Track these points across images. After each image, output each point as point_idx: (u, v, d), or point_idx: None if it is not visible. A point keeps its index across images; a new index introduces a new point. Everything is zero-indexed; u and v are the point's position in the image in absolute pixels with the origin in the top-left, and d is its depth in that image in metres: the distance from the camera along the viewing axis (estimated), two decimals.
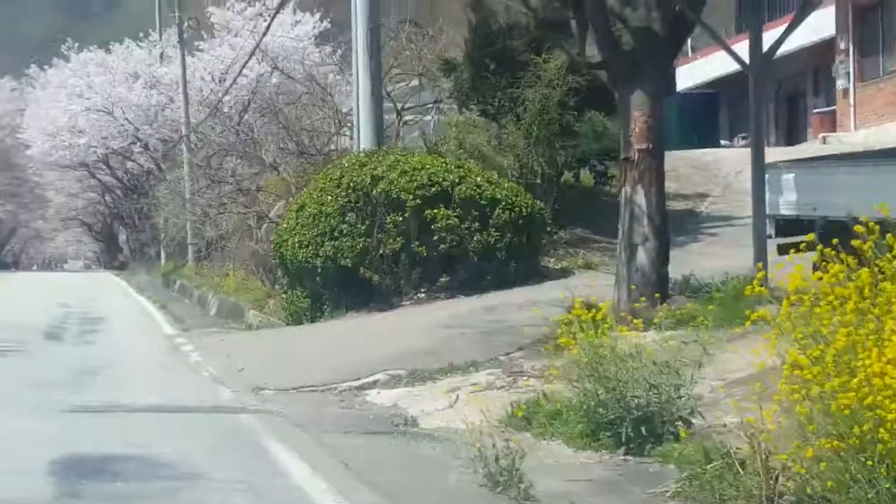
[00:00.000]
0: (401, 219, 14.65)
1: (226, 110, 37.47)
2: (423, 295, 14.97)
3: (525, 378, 9.23)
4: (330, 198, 15.06)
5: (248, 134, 28.36)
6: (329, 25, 38.78)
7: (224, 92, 35.59)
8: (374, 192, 14.83)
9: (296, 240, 15.17)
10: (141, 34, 42.25)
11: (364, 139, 16.48)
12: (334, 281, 15.01)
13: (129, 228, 65.47)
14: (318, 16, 39.21)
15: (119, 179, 50.22)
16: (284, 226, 15.89)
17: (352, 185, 14.99)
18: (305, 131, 21.74)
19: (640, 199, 11.29)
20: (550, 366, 8.15)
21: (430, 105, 22.66)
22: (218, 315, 21.02)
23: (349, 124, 23.00)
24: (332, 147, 22.57)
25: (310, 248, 14.93)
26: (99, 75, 40.90)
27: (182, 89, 35.79)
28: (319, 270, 14.89)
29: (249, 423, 8.59)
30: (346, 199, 14.95)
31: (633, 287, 10.93)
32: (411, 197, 14.66)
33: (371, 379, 10.02)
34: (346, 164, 15.58)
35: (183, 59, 35.54)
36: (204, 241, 34.19)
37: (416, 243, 14.64)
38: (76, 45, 42.48)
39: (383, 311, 14.73)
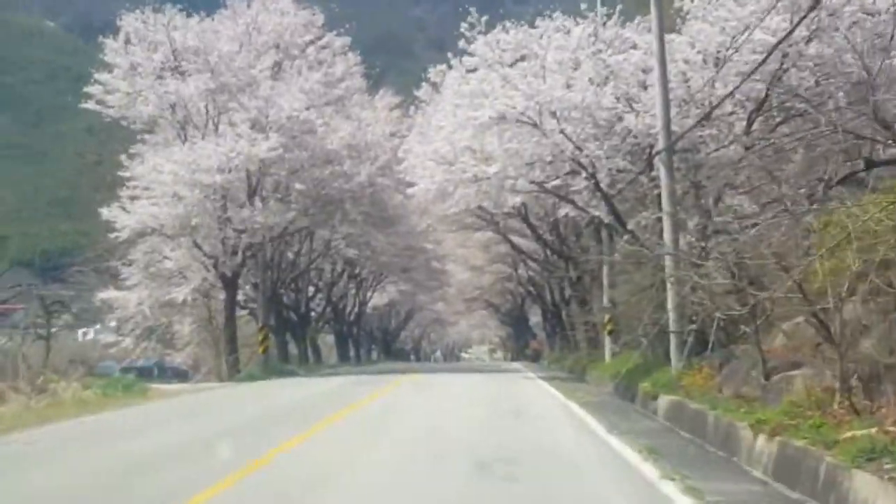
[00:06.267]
0: None
1: (729, 108, 22.51)
2: None
3: None
4: None
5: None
6: None
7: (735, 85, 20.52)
8: None
9: None
10: (584, 6, 27.61)
11: None
12: None
13: (548, 308, 51.96)
14: None
15: (540, 236, 36.28)
16: None
17: None
18: None
19: None
20: None
21: None
22: None
23: None
24: None
25: None
26: (516, 65, 26.64)
27: (659, 74, 21.07)
28: None
29: None
30: None
31: None
32: None
33: None
34: None
35: (660, 13, 20.81)
36: (695, 326, 19.28)
37: None
38: (483, 19, 27.29)
39: None
